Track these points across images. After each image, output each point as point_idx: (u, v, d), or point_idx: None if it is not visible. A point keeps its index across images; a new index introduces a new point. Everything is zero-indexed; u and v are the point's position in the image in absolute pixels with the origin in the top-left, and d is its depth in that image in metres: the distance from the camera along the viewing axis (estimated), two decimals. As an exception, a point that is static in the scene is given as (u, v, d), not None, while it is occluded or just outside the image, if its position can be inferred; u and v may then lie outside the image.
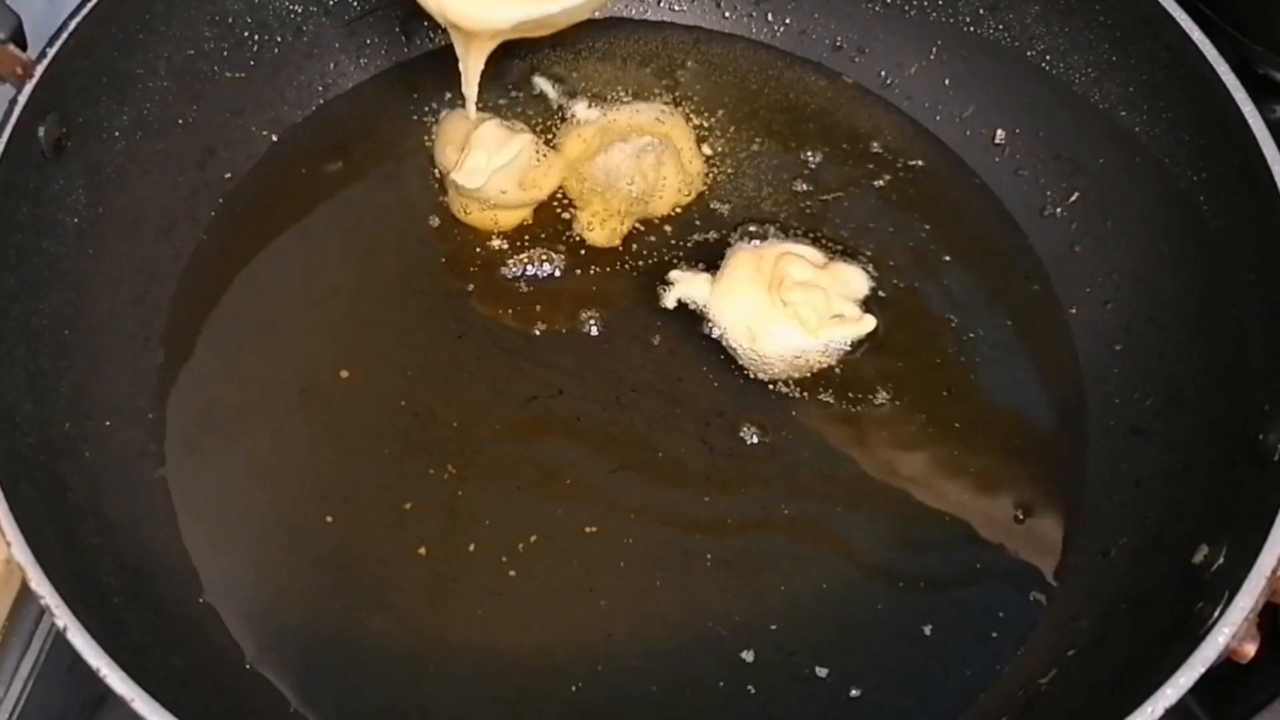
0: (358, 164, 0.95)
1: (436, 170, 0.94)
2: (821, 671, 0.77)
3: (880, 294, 0.90)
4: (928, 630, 0.78)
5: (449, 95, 0.98)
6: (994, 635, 0.79)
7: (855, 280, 0.89)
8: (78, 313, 0.81)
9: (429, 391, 0.86)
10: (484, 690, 0.76)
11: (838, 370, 0.87)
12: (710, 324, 0.88)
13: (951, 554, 0.81)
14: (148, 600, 0.75)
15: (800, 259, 0.88)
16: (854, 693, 0.76)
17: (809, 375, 0.86)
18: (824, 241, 0.92)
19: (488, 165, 0.89)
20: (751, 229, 0.92)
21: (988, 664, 0.78)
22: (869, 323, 0.87)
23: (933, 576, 0.81)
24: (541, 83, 0.99)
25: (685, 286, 0.89)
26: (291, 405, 0.85)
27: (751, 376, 0.86)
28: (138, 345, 0.85)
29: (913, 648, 0.78)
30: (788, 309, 0.85)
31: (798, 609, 0.79)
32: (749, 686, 0.76)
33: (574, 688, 0.76)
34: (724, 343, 0.87)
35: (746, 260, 0.89)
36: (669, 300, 0.89)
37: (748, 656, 0.77)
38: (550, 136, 0.96)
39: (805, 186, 0.95)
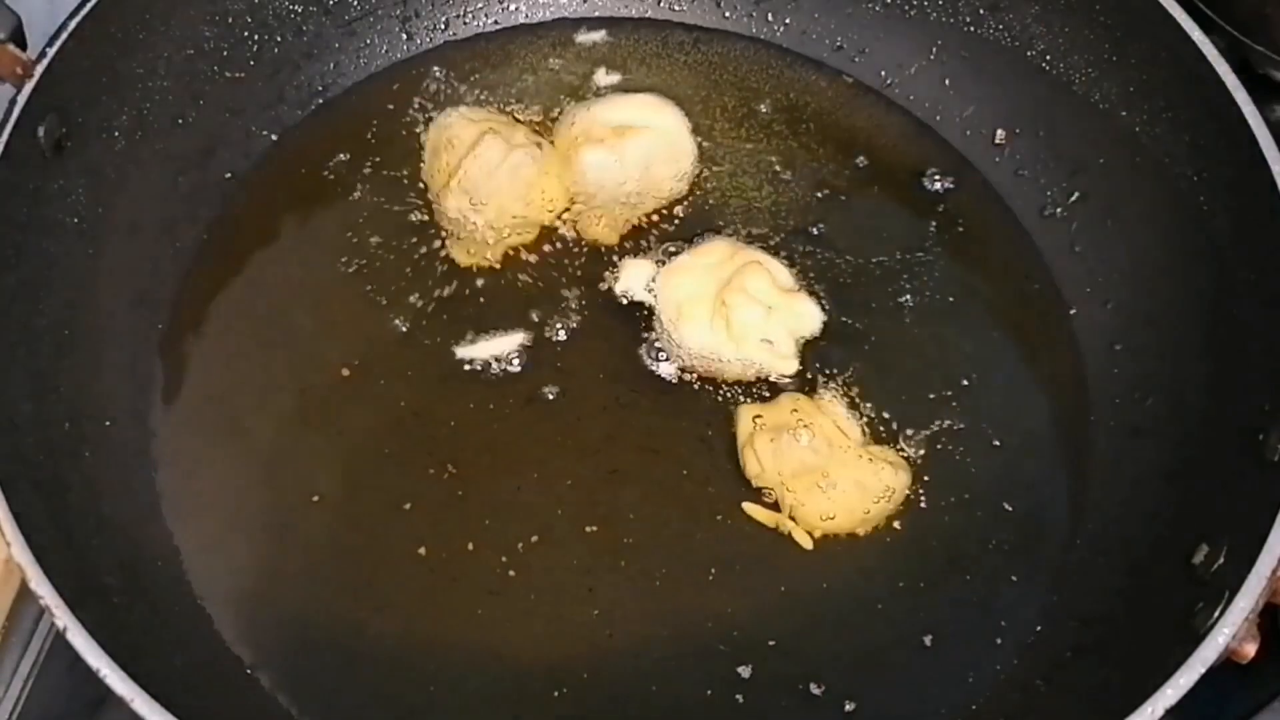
0: (357, 164, 0.95)
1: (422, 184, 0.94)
2: (816, 689, 0.76)
3: (880, 294, 0.90)
4: (928, 640, 0.78)
5: (448, 95, 0.98)
6: (998, 641, 0.79)
7: (807, 317, 0.88)
8: (78, 313, 0.81)
9: (429, 391, 0.86)
10: (483, 690, 0.76)
11: (838, 370, 0.87)
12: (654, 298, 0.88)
13: (952, 558, 0.81)
14: (148, 600, 0.75)
15: (765, 273, 0.87)
16: (849, 707, 0.76)
17: (722, 380, 0.86)
18: (816, 244, 0.92)
19: (487, 188, 0.89)
20: (747, 225, 0.92)
21: (988, 670, 0.78)
22: (789, 366, 0.86)
23: (933, 582, 0.80)
24: (542, 81, 0.99)
25: (631, 273, 0.89)
26: (291, 406, 0.85)
27: (654, 359, 0.87)
28: (138, 345, 0.85)
29: (912, 657, 0.78)
30: (723, 308, 0.85)
31: (796, 615, 0.79)
32: (737, 696, 0.76)
33: (573, 687, 0.76)
34: (652, 311, 0.87)
35: (718, 250, 0.89)
36: (619, 287, 0.89)
37: (744, 672, 0.77)
38: (549, 135, 0.96)
39: (805, 185, 0.95)
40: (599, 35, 1.02)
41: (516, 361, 0.87)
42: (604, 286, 0.90)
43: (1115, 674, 0.72)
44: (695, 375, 0.86)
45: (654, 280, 0.89)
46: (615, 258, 0.91)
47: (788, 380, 0.86)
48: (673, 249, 0.91)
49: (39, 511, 0.69)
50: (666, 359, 0.87)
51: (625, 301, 0.89)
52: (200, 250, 0.90)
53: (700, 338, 0.86)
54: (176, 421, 0.84)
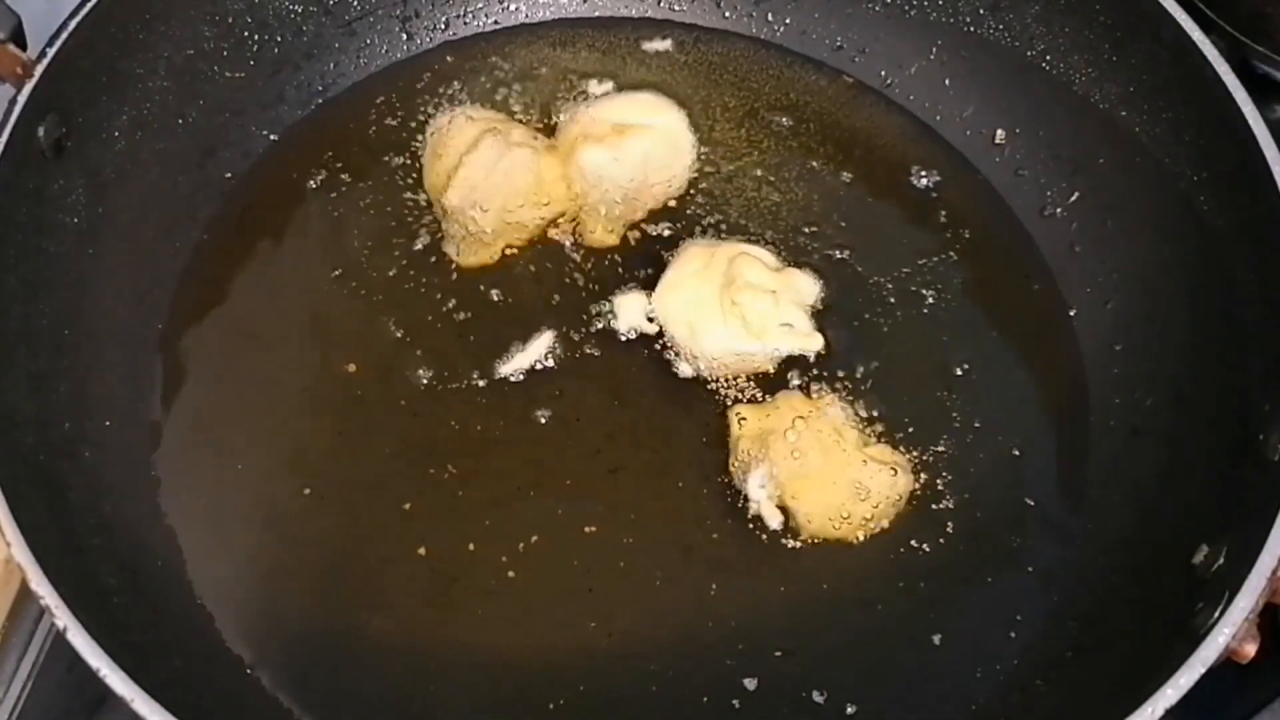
0: (357, 163, 0.95)
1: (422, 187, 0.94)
2: (819, 696, 0.76)
3: (880, 295, 0.90)
4: (935, 640, 0.78)
5: (448, 95, 0.98)
6: (999, 641, 0.79)
7: (806, 287, 0.89)
8: (78, 313, 0.81)
9: (429, 391, 0.86)
10: (484, 690, 0.76)
11: (838, 372, 0.87)
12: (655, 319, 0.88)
13: (953, 559, 0.81)
14: (148, 600, 0.75)
15: (755, 260, 0.87)
16: (850, 710, 0.76)
17: (748, 378, 0.86)
18: (817, 244, 0.92)
19: (487, 188, 0.89)
20: (746, 225, 0.93)
21: (988, 670, 0.78)
22: (816, 341, 0.86)
23: (933, 584, 0.80)
24: (542, 81, 0.99)
25: (627, 309, 0.88)
26: (290, 406, 0.85)
27: (681, 375, 0.86)
28: (137, 345, 0.86)
29: (913, 660, 0.78)
30: (734, 309, 0.85)
31: (797, 618, 0.79)
32: (734, 701, 0.76)
33: (573, 688, 0.76)
34: (664, 335, 0.87)
35: (698, 255, 0.89)
36: (621, 325, 0.88)
37: (744, 676, 0.77)
38: (548, 134, 0.96)
39: (804, 185, 0.95)
40: (667, 44, 1.02)
41: (517, 362, 0.87)
42: (604, 286, 0.90)
43: (1115, 674, 0.72)
44: (706, 375, 0.86)
45: (650, 307, 0.88)
46: (616, 257, 0.91)
47: (808, 361, 0.86)
48: (652, 271, 0.90)
49: (39, 511, 0.69)
50: (672, 359, 0.87)
51: (632, 337, 0.88)
52: (200, 250, 0.90)
53: (721, 342, 0.86)
54: (176, 421, 0.84)
